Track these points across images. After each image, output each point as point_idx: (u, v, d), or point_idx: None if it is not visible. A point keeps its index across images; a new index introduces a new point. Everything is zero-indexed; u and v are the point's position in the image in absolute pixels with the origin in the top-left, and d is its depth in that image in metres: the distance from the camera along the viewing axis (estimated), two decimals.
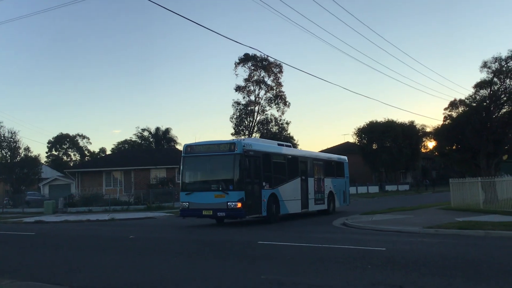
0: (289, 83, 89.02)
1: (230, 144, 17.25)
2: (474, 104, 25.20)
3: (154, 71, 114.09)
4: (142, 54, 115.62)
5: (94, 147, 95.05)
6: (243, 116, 52.38)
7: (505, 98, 24.59)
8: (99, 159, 63.23)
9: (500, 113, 24.88)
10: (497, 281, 6.89)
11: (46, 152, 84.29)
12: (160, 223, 21.29)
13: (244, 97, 51.96)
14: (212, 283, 7.26)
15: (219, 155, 17.33)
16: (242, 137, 46.75)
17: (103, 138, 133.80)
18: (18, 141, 49.42)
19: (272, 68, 50.74)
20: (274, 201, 18.28)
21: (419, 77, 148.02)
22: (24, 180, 48.84)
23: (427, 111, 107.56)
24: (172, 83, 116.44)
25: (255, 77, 51.34)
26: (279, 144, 21.12)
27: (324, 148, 67.37)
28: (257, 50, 77.49)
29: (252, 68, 51.15)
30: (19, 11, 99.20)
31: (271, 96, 52.02)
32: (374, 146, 60.79)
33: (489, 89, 24.82)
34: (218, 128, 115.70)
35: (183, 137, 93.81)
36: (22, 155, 50.02)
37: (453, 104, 26.03)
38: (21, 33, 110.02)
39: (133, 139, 71.36)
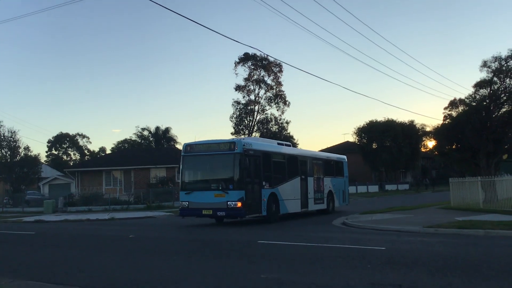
0: (289, 83, 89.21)
1: (230, 143, 17.22)
2: (474, 104, 25.18)
3: (154, 70, 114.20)
4: (142, 53, 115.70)
5: (94, 147, 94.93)
6: (243, 116, 52.43)
7: (505, 98, 24.57)
8: (99, 159, 63.20)
9: (500, 112, 24.87)
10: (497, 280, 6.89)
11: (46, 152, 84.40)
12: (160, 223, 21.30)
13: (244, 97, 52.07)
14: (212, 282, 7.26)
15: (219, 154, 17.30)
16: (242, 137, 46.81)
17: (103, 138, 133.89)
18: (18, 140, 49.53)
19: (272, 68, 50.77)
20: (274, 200, 18.26)
21: (419, 76, 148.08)
22: (24, 179, 48.84)
23: (427, 110, 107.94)
24: (172, 82, 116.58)
25: (255, 77, 51.41)
26: (278, 144, 21.12)
27: (324, 147, 67.41)
28: (257, 49, 77.50)
29: (252, 67, 51.20)
30: (19, 10, 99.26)
31: (271, 95, 52.10)
32: (374, 146, 60.81)
33: (489, 88, 24.80)
34: (218, 127, 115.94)
35: (183, 137, 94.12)
36: (22, 154, 50.06)
37: (453, 104, 26.01)
38: (21, 31, 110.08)
39: (133, 139, 71.41)
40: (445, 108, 26.43)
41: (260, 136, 47.00)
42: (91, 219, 24.04)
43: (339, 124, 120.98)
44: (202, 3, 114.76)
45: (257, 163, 17.65)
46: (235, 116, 52.24)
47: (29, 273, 8.50)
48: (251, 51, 51.01)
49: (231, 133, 52.02)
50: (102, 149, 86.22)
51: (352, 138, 63.51)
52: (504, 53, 24.34)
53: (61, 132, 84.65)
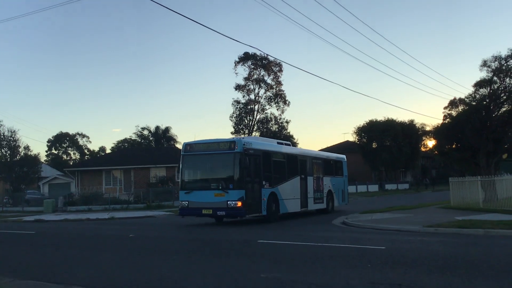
0: (289, 82, 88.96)
1: (230, 143, 17.19)
2: (474, 103, 25.19)
3: (154, 70, 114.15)
4: (142, 53, 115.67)
5: (94, 146, 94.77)
6: (243, 115, 52.44)
7: (504, 97, 24.58)
8: (98, 158, 63.22)
9: (500, 112, 24.88)
10: (497, 280, 6.89)
11: (46, 151, 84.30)
12: (160, 222, 21.29)
13: (244, 96, 52.10)
14: (212, 282, 7.26)
15: (219, 154, 17.28)
16: (242, 136, 46.79)
17: (102, 137, 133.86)
18: (17, 139, 49.53)
19: (272, 67, 50.78)
20: (274, 200, 18.23)
21: (419, 76, 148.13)
22: (23, 178, 48.85)
23: (427, 110, 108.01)
24: (172, 82, 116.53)
25: (255, 76, 51.43)
26: (278, 143, 21.10)
27: (324, 147, 67.46)
28: (257, 49, 77.35)
29: (252, 66, 51.22)
30: (19, 10, 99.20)
31: (271, 95, 52.12)
32: (374, 145, 60.84)
33: (489, 88, 24.81)
34: (218, 126, 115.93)
35: (183, 136, 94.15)
36: (22, 153, 50.06)
37: (453, 103, 26.02)
38: (21, 31, 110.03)
39: (132, 138, 71.44)
40: (445, 108, 26.46)
41: (260, 136, 47.02)
42: (91, 219, 24.04)
43: (339, 124, 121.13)
44: (202, 3, 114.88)
45: (257, 162, 17.63)
46: (235, 115, 52.30)
47: (29, 272, 8.50)
48: (251, 51, 51.07)
49: (231, 133, 52.09)
50: (102, 149, 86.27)
51: (352, 137, 63.65)
52: (504, 53, 24.39)
53: (61, 131, 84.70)
